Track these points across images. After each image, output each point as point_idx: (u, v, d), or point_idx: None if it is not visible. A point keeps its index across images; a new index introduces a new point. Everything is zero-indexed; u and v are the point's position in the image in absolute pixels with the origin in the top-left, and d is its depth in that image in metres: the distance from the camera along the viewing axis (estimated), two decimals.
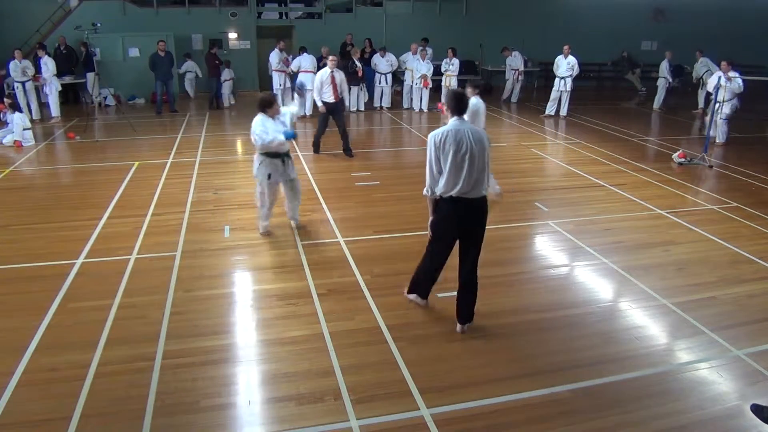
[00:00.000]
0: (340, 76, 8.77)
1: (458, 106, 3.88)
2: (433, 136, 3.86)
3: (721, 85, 9.71)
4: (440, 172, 3.83)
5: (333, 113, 8.92)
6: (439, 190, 3.86)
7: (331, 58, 8.84)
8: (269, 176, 5.51)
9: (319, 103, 8.83)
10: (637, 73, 17.64)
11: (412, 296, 4.42)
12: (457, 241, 4.05)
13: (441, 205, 3.93)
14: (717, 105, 9.73)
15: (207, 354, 3.75)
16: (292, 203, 5.89)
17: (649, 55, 17.59)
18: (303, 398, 3.33)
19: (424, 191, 3.97)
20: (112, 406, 3.24)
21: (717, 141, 10.04)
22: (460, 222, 3.91)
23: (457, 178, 3.77)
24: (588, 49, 15.92)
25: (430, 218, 4.07)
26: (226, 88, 14.14)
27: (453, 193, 3.80)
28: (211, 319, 4.19)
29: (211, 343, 3.88)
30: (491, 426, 3.14)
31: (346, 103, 9.35)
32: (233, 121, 12.63)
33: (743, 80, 9.67)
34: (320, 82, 8.73)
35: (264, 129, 5.36)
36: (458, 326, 4.09)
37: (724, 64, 9.87)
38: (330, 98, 8.76)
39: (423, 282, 4.29)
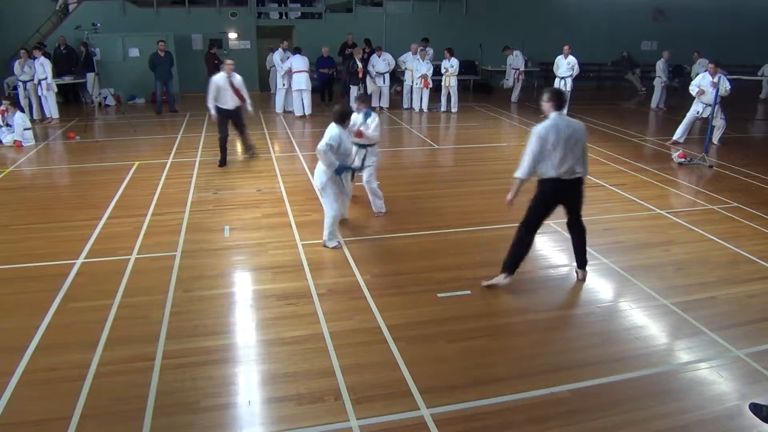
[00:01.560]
0: (237, 80, 8.22)
1: (559, 101, 4.49)
2: (539, 130, 4.42)
3: (702, 87, 9.66)
4: (542, 160, 4.43)
5: (233, 118, 8.43)
6: (544, 172, 4.48)
7: (228, 62, 8.25)
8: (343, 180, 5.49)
9: (212, 111, 8.22)
10: (637, 73, 17.65)
11: (500, 276, 4.68)
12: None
13: (544, 184, 4.56)
14: (709, 107, 9.70)
15: (207, 354, 3.75)
16: (345, 202, 5.84)
17: (649, 55, 17.58)
18: (303, 398, 3.33)
19: (519, 174, 4.54)
20: (112, 406, 3.24)
21: (714, 142, 10.02)
22: (560, 198, 4.63)
23: (557, 163, 4.40)
24: (588, 49, 15.93)
25: (509, 197, 4.73)
26: None
27: (554, 175, 4.43)
28: (211, 319, 4.19)
29: (211, 343, 3.88)
30: (491, 426, 3.14)
31: (249, 108, 8.57)
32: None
33: (730, 81, 9.55)
34: (216, 88, 8.05)
35: (337, 141, 5.22)
36: (579, 272, 4.89)
37: (711, 66, 9.77)
38: (230, 105, 8.19)
39: (516, 257, 4.70)
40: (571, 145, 4.38)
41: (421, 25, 16.33)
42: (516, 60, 15.06)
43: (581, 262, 4.90)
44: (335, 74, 14.18)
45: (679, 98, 15.11)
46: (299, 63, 12.34)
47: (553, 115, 4.45)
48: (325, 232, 5.47)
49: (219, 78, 8.09)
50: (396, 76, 15.32)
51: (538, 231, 4.70)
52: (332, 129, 5.28)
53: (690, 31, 17.37)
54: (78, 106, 13.87)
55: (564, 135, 4.36)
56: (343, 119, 5.32)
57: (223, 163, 8.37)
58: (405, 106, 14.00)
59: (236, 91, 8.17)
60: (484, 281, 4.74)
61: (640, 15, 18.31)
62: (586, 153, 4.54)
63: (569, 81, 12.71)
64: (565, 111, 4.54)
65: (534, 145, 4.42)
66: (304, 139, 10.50)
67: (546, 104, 4.52)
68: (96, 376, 3.49)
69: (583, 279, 4.88)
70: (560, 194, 4.58)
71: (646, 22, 18.52)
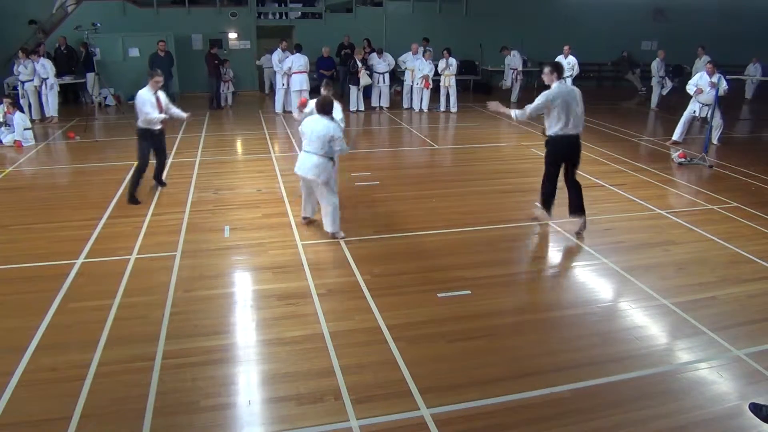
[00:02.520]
0: (162, 96, 7.07)
1: (559, 71, 5.57)
2: (547, 95, 5.45)
3: (699, 86, 9.66)
4: (548, 118, 5.57)
5: (156, 142, 7.14)
6: (551, 131, 5.56)
7: (157, 78, 6.95)
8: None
9: (163, 117, 6.98)
10: (637, 73, 17.65)
11: (539, 212, 5.99)
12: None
13: (552, 141, 5.61)
14: (706, 107, 9.72)
15: (207, 354, 3.75)
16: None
17: (649, 55, 17.52)
18: (303, 398, 3.33)
19: (516, 114, 5.66)
20: (112, 406, 3.24)
21: (714, 141, 10.02)
22: (565, 151, 5.63)
23: (563, 123, 5.48)
24: (588, 49, 15.92)
25: (497, 108, 5.87)
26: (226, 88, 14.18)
27: (560, 132, 5.51)
28: (211, 319, 4.19)
29: (211, 343, 3.88)
30: (491, 426, 3.14)
31: (184, 115, 7.29)
32: (232, 121, 12.61)
33: (728, 81, 9.54)
34: (150, 106, 6.85)
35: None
36: (576, 218, 5.79)
37: (709, 66, 9.75)
38: (157, 125, 6.98)
39: (548, 198, 5.89)
40: (573, 106, 5.47)
41: (421, 25, 16.32)
42: (513, 60, 15.06)
43: (579, 210, 5.74)
44: (335, 75, 14.21)
45: (679, 98, 15.13)
46: (298, 63, 12.31)
47: (555, 84, 5.47)
48: (335, 224, 5.56)
49: (147, 93, 6.85)
50: (396, 76, 15.32)
51: (535, 229, 4.94)
52: (327, 119, 5.39)
53: (690, 31, 17.36)
54: (78, 106, 13.86)
55: (566, 99, 5.43)
56: (327, 109, 5.43)
57: (134, 199, 6.74)
58: (405, 106, 14.00)
59: (161, 110, 6.98)
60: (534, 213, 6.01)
61: (640, 15, 18.30)
62: (583, 113, 5.63)
63: (569, 81, 12.72)
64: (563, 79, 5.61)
65: (540, 102, 5.48)
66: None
67: (549, 76, 5.50)
68: (96, 376, 3.49)
69: (583, 225, 5.75)
70: (565, 148, 5.59)
71: (646, 22, 18.50)
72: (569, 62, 12.61)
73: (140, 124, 6.95)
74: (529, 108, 5.57)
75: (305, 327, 4.07)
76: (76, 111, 13.09)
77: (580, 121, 5.58)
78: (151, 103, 6.90)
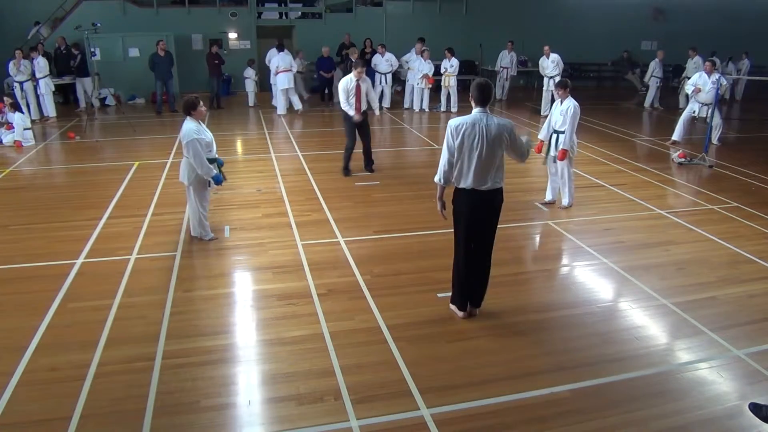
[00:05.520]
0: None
1: (481, 96, 3.79)
2: (452, 123, 3.80)
3: (698, 85, 9.66)
4: (456, 161, 3.80)
5: (362, 124, 7.87)
6: (453, 180, 3.88)
7: (358, 69, 7.57)
8: (209, 183, 5.41)
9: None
10: (637, 73, 17.65)
11: (453, 307, 4.26)
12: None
13: (456, 196, 3.94)
14: (705, 107, 9.74)
15: (207, 354, 3.75)
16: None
17: (649, 55, 17.53)
18: (303, 398, 3.33)
19: (436, 178, 3.95)
20: (112, 406, 3.24)
21: (714, 141, 10.02)
22: (472, 213, 3.89)
23: (468, 170, 3.79)
24: (588, 49, 15.94)
25: (438, 205, 4.05)
26: (251, 86, 14.23)
27: (465, 185, 3.83)
28: (211, 319, 4.19)
29: (211, 343, 3.88)
30: (491, 426, 3.14)
31: (376, 112, 8.31)
32: (232, 121, 12.60)
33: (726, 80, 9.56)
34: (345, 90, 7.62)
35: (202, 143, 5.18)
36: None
37: (707, 64, 9.75)
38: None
39: (457, 286, 4.17)
40: (484, 150, 3.78)
41: (421, 25, 16.32)
42: (509, 59, 15.07)
43: (477, 300, 4.23)
44: (334, 75, 14.21)
45: (678, 98, 15.13)
46: (282, 61, 12.28)
47: (475, 110, 3.83)
48: (197, 229, 5.54)
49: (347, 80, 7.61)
50: (397, 76, 15.32)
51: (535, 229, 4.72)
52: (187, 123, 5.22)
53: (690, 31, 17.37)
54: (78, 106, 13.85)
55: (477, 137, 3.78)
56: (189, 110, 5.25)
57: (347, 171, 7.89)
58: (405, 106, 14.01)
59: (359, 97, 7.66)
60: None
61: (640, 15, 18.31)
62: (503, 163, 3.93)
63: (558, 79, 12.72)
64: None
65: (447, 139, 3.87)
66: (304, 138, 10.50)
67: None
68: (96, 376, 3.49)
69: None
70: (472, 210, 3.95)
71: (646, 22, 18.51)
72: (553, 60, 12.64)
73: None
74: (441, 162, 3.86)
75: (305, 327, 4.07)
76: (77, 111, 13.09)
77: (492, 171, 3.78)
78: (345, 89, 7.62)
